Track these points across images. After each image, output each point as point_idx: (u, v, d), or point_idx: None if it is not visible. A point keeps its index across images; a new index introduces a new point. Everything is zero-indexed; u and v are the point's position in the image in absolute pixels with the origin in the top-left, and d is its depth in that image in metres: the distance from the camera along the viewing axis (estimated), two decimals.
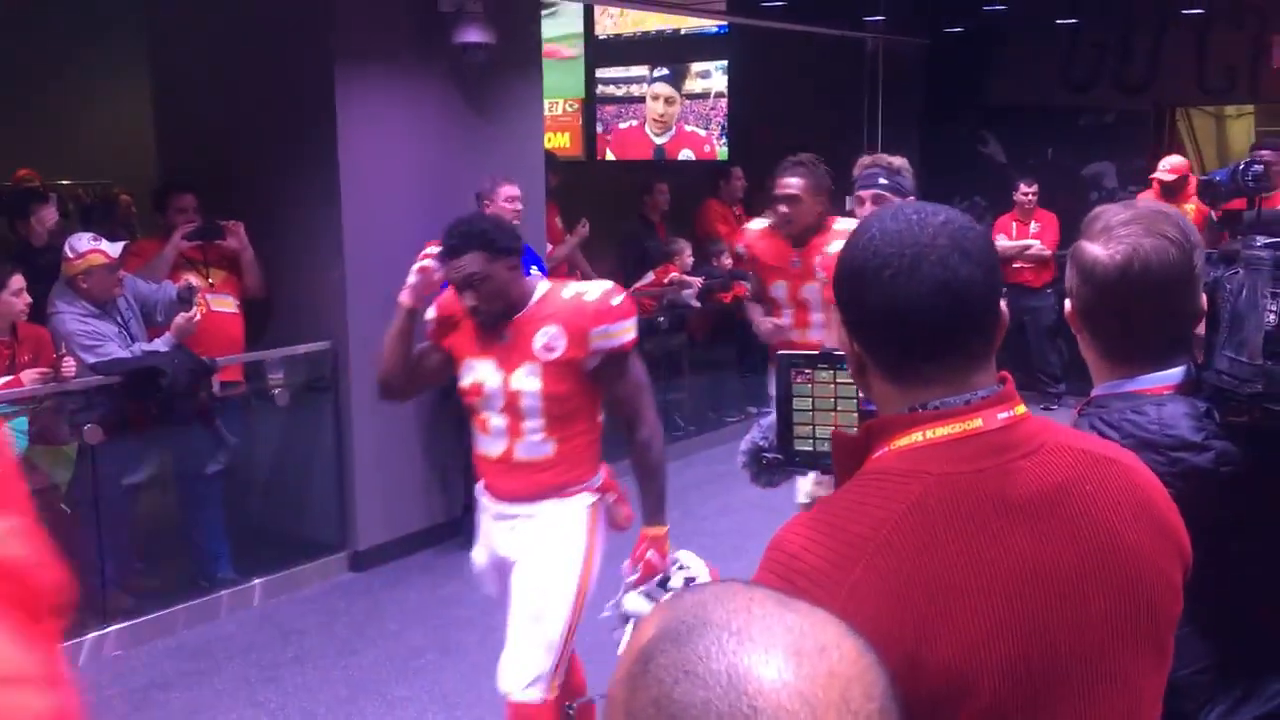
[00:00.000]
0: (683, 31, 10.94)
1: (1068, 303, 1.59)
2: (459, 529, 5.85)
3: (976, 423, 1.16)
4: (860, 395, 1.62)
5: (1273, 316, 1.42)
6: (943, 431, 1.16)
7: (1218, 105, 10.07)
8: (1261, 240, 1.50)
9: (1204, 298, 1.55)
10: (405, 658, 4.63)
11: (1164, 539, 1.22)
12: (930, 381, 1.17)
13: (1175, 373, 1.54)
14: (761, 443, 1.76)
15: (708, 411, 8.11)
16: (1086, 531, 1.17)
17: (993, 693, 1.10)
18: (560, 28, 11.04)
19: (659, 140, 11.37)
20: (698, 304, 7.74)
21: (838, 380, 1.64)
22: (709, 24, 10.50)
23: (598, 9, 11.01)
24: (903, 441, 1.17)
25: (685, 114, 11.14)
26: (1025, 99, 9.76)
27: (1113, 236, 1.52)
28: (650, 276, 7.59)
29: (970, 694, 1.09)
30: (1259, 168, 1.66)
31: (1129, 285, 1.49)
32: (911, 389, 1.18)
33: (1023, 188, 8.35)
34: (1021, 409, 1.20)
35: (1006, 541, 1.13)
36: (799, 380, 1.66)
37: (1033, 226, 8.34)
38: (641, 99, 11.47)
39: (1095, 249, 1.53)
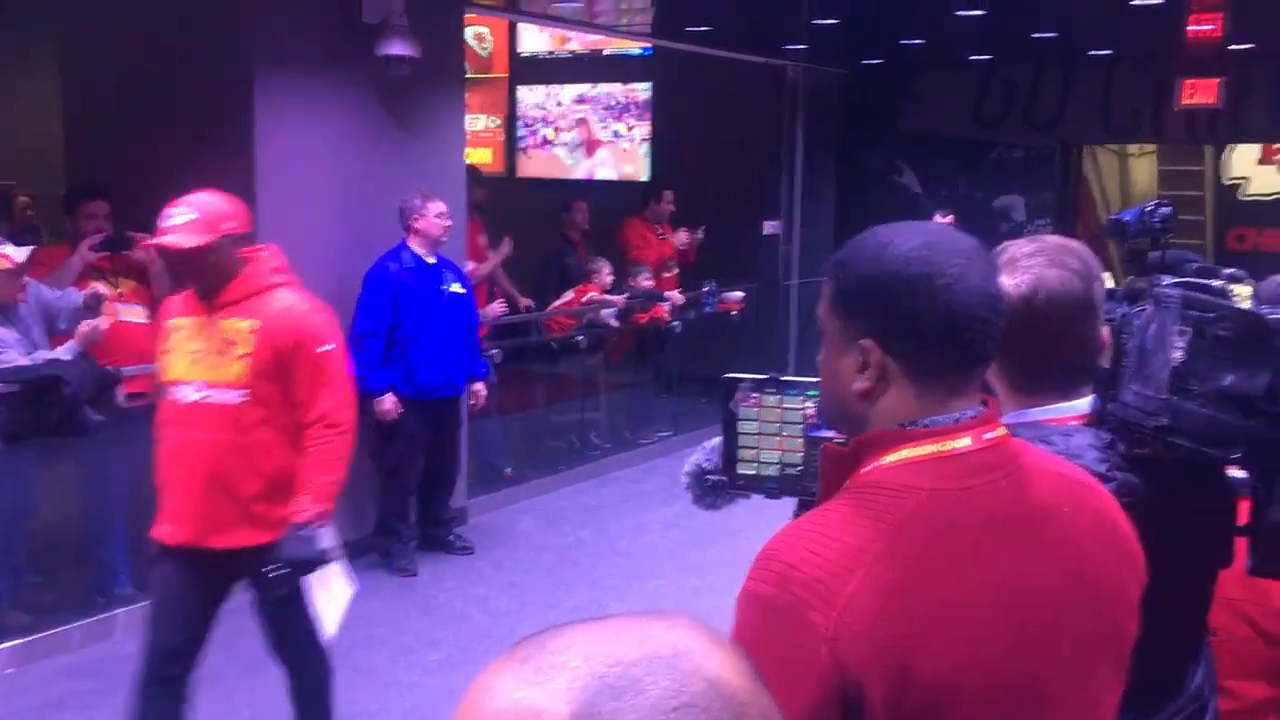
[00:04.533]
0: (606, 52, 10.99)
1: None
2: (370, 547, 5.77)
3: (964, 441, 1.19)
4: (807, 420, 1.64)
5: (1179, 353, 1.48)
6: (932, 449, 1.18)
7: (1122, 144, 10.43)
8: (1169, 279, 1.56)
9: (1105, 330, 1.60)
10: None
11: (1127, 561, 1.27)
12: (956, 391, 1.21)
13: (1083, 403, 1.59)
14: (706, 464, 1.77)
15: (624, 431, 8.12)
16: (1064, 553, 1.21)
17: (973, 708, 1.12)
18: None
19: (576, 164, 11.36)
20: (616, 324, 7.76)
21: (784, 405, 1.65)
22: (633, 46, 10.56)
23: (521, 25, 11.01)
24: (893, 457, 1.19)
25: (605, 121, 11.15)
26: (938, 131, 10.02)
27: (1018, 267, 1.56)
28: (569, 295, 7.60)
29: (953, 708, 1.11)
30: (1166, 210, 1.73)
31: (1034, 314, 1.54)
32: (934, 399, 1.20)
33: (938, 217, 8.52)
34: (1003, 430, 1.24)
35: (993, 559, 1.16)
36: (745, 404, 1.67)
37: None
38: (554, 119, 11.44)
39: (1002, 280, 1.57)
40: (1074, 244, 1.60)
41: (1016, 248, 1.60)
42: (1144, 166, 10.76)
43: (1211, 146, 10.11)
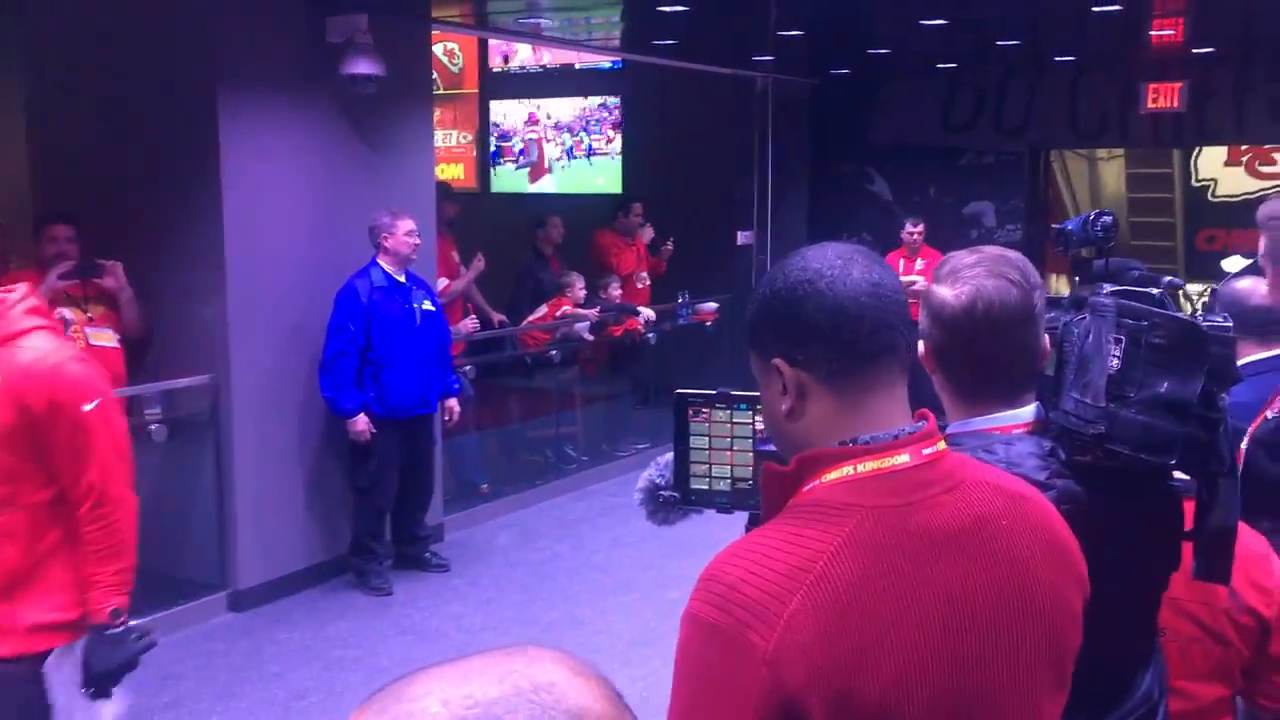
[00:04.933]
0: (577, 66, 11.02)
1: (921, 344, 1.64)
2: (344, 567, 5.75)
3: (903, 458, 1.20)
4: (757, 435, 1.65)
5: (1116, 361, 1.49)
6: (872, 465, 1.19)
7: (1089, 149, 10.53)
8: (1108, 288, 1.58)
9: (1047, 339, 1.62)
10: (286, 700, 4.52)
11: (1068, 573, 1.28)
12: (869, 388, 1.22)
13: (1026, 412, 1.60)
14: (659, 480, 1.78)
15: (601, 444, 8.13)
16: (1004, 566, 1.22)
17: None
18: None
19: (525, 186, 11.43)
20: (590, 337, 7.77)
21: (734, 420, 1.66)
22: (604, 60, 10.60)
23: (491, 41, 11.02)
24: (834, 475, 1.20)
25: (579, 135, 11.18)
26: (908, 139, 10.08)
27: (959, 279, 1.58)
28: (543, 310, 7.60)
29: None
30: (1108, 219, 1.76)
31: (974, 324, 1.55)
32: (851, 399, 1.22)
33: (909, 226, 8.58)
34: (942, 445, 1.25)
35: (934, 575, 1.17)
36: (696, 419, 1.68)
37: (919, 264, 8.58)
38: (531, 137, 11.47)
39: (943, 291, 1.59)
40: (1013, 254, 1.62)
41: (958, 259, 1.62)
42: (1113, 170, 10.85)
43: (1178, 149, 10.22)
